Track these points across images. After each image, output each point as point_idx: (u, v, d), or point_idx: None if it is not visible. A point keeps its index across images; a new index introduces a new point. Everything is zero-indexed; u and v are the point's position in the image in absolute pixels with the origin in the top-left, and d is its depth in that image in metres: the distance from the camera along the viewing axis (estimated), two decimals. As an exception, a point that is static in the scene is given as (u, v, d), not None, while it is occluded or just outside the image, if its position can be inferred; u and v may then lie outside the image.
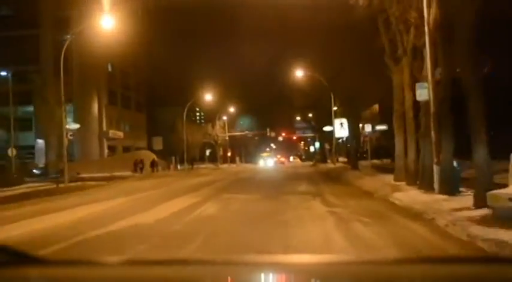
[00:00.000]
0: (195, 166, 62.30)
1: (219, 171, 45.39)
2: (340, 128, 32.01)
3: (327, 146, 51.97)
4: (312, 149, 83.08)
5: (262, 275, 1.87)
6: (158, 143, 51.26)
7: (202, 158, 79.24)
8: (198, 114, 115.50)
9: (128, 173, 41.22)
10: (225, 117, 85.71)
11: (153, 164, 43.01)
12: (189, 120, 77.75)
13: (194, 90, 67.62)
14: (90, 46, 46.25)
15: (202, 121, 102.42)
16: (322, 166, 43.77)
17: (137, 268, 2.03)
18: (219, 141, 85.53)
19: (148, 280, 1.87)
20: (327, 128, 42.61)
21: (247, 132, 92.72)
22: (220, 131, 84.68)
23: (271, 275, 1.86)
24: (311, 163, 73.70)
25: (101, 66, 51.15)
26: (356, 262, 2.10)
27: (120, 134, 55.46)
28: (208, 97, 56.54)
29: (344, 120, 31.81)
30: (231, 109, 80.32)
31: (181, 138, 59.68)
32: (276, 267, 1.94)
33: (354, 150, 29.93)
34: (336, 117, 40.58)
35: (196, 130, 75.27)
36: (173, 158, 59.89)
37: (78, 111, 49.99)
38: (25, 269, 1.86)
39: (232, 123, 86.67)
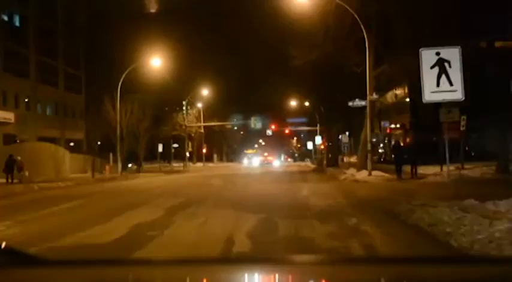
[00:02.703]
0: (146, 166, 40.23)
1: (150, 182, 23.33)
2: (443, 80, 9.69)
3: (344, 140, 29.62)
4: (309, 145, 60.93)
5: (262, 275, 1.72)
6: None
7: (167, 156, 57.00)
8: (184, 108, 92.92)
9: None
10: (200, 105, 63.47)
11: (9, 167, 20.58)
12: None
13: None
14: None
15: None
16: (343, 176, 21.52)
17: (135, 268, 1.92)
18: (192, 134, 63.31)
19: (146, 280, 1.76)
20: (357, 103, 20.54)
21: (229, 123, 70.28)
22: (193, 122, 62.47)
23: (271, 275, 1.73)
24: (310, 164, 51.50)
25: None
26: (356, 262, 2.04)
27: (8, 115, 32.62)
28: (157, 62, 33.91)
29: (455, 58, 9.61)
30: (205, 92, 58.04)
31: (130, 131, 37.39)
32: (276, 267, 1.81)
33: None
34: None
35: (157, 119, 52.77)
36: (110, 156, 37.65)
37: None
38: (23, 269, 1.74)
39: (212, 113, 64.28)
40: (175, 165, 58.89)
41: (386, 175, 19.80)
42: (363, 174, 20.13)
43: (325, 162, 38.16)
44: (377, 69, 21.71)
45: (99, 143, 46.71)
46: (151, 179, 27.57)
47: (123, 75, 33.30)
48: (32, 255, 1.92)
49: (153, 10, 43.45)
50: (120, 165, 33.29)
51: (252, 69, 77.68)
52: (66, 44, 44.79)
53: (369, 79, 20.17)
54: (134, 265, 2.01)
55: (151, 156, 48.44)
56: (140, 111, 36.69)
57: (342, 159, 36.47)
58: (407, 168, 18.68)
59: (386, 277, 1.63)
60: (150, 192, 15.28)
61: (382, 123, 46.65)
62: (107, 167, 37.61)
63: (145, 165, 43.52)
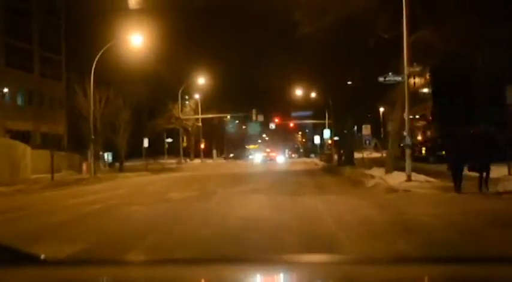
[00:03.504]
0: (127, 164, 34.38)
1: (117, 187, 17.58)
2: None
3: (365, 132, 23.64)
4: (316, 140, 54.98)
5: (263, 275, 1.67)
6: None
7: (159, 152, 51.17)
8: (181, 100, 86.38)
9: None
10: (197, 96, 57.58)
11: None
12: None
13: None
14: None
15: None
16: (371, 182, 15.62)
17: (136, 268, 1.87)
18: (189, 128, 57.43)
19: (146, 279, 1.71)
20: (390, 78, 14.60)
21: (229, 116, 64.23)
22: (190, 114, 56.63)
23: (271, 275, 1.69)
24: (317, 161, 45.56)
25: None
26: (356, 262, 1.96)
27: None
28: (138, 40, 27.93)
29: None
30: (201, 80, 52.14)
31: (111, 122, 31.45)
32: (277, 266, 1.76)
33: None
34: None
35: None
36: (88, 153, 31.81)
37: None
38: (23, 269, 1.68)
39: (212, 105, 58.34)
40: (168, 162, 53.22)
41: (434, 180, 13.87)
42: (398, 179, 14.20)
43: (336, 157, 32.32)
44: (412, 36, 15.74)
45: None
46: (125, 181, 21.88)
47: (98, 55, 27.37)
48: (32, 254, 1.78)
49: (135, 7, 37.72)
50: (93, 164, 27.45)
51: (254, 58, 71.71)
52: (43, 25, 38.95)
53: (406, 46, 14.22)
54: (134, 265, 1.95)
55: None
56: (120, 100, 30.79)
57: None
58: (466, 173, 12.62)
59: (387, 277, 1.59)
60: (59, 218, 9.19)
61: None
62: (84, 166, 31.83)
63: (137, 163, 37.95)
